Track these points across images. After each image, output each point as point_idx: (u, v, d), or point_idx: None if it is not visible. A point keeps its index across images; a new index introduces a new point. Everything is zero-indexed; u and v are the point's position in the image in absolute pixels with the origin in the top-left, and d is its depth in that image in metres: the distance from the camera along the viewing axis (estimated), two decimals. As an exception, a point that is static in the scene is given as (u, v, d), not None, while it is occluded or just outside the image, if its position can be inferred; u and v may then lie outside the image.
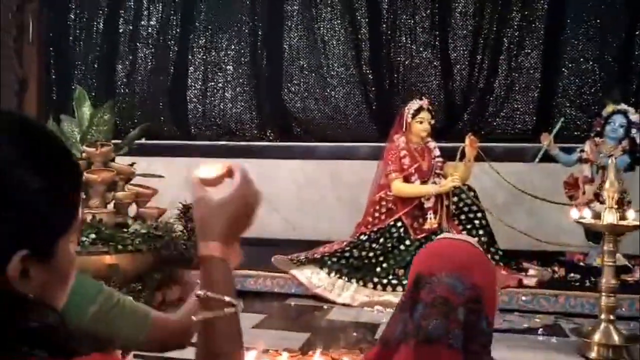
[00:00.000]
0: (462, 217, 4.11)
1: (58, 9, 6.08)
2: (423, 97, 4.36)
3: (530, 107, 5.18)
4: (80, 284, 1.37)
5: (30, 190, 0.70)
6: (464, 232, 4.06)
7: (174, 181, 5.31)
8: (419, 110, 4.18)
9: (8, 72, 5.90)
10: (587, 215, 3.01)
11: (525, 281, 3.80)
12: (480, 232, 4.06)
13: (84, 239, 3.29)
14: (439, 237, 1.62)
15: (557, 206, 4.18)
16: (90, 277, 1.50)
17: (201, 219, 0.93)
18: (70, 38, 6.10)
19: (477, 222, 4.08)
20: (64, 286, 0.77)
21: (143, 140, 5.56)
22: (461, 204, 4.12)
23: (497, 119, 5.25)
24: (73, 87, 5.61)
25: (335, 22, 5.54)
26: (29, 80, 5.97)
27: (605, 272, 2.85)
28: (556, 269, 4.09)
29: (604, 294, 2.85)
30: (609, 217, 2.81)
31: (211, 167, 1.02)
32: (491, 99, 5.27)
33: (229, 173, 0.98)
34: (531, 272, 4.00)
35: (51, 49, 6.14)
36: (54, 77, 6.15)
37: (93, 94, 5.95)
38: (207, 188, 0.97)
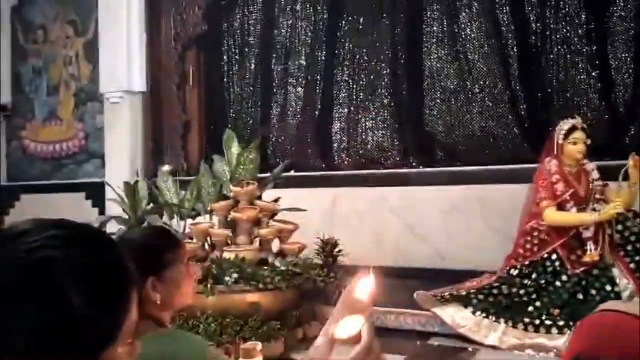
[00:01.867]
0: (629, 247, 3.64)
1: (213, 53, 6.55)
2: (575, 116, 3.96)
3: None
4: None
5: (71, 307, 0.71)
6: (632, 264, 3.61)
7: (319, 212, 5.49)
8: (572, 129, 3.82)
9: (173, 116, 6.48)
10: None
11: None
12: (651, 264, 3.57)
13: (227, 278, 3.44)
14: (602, 307, 1.36)
15: None
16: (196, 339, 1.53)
17: None
18: (225, 80, 6.53)
19: (647, 253, 3.59)
20: None
21: (292, 173, 5.79)
22: (627, 233, 3.65)
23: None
24: (229, 127, 6.02)
25: (479, 37, 5.27)
26: (192, 123, 6.49)
27: None
28: None
29: None
30: None
31: (350, 325, 0.95)
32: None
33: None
34: None
35: (209, 92, 6.61)
36: (212, 118, 6.60)
37: (248, 130, 6.33)
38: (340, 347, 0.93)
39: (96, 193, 6.43)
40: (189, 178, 5.43)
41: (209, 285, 3.35)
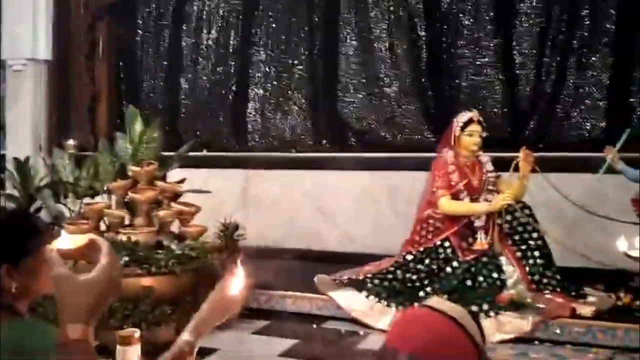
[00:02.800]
0: (517, 237, 3.82)
1: (126, 25, 6.31)
2: (473, 109, 4.08)
3: (600, 113, 4.73)
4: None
5: None
6: (518, 253, 3.79)
7: (231, 194, 5.46)
8: (469, 122, 3.94)
9: (81, 88, 6.21)
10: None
11: (581, 310, 3.46)
12: (536, 253, 3.77)
13: (118, 261, 3.35)
14: (427, 301, 1.41)
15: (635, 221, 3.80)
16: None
17: (63, 300, 0.91)
18: (138, 53, 6.31)
19: (532, 242, 3.78)
20: None
21: (204, 152, 5.70)
22: (515, 223, 3.83)
23: (565, 126, 4.85)
24: (138, 102, 5.84)
25: (391, 27, 5.34)
26: (100, 96, 6.24)
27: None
28: (622, 294, 3.69)
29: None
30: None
31: (71, 238, 1.01)
32: (559, 105, 4.87)
33: (91, 246, 0.97)
34: (591, 298, 3.64)
35: (120, 64, 6.38)
36: (123, 91, 6.38)
37: (160, 106, 6.16)
38: (67, 261, 0.97)
39: (-5, 165, 6.11)
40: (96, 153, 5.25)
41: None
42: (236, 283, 1.25)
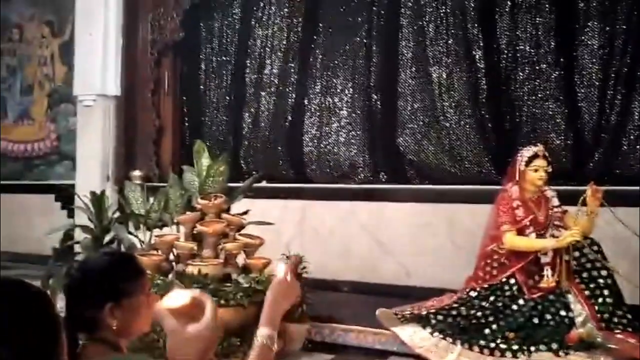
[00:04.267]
0: (585, 274, 3.73)
1: (190, 61, 6.56)
2: (538, 143, 4.05)
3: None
4: None
5: None
6: (587, 291, 3.70)
7: (288, 224, 5.53)
8: (534, 157, 3.89)
9: (146, 122, 6.47)
10: None
11: (656, 352, 3.35)
12: (605, 292, 3.67)
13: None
14: None
15: None
16: None
17: (175, 349, 1.05)
18: (201, 87, 6.53)
19: (601, 280, 3.69)
20: None
21: (263, 184, 5.82)
22: (583, 260, 3.75)
23: (630, 159, 4.74)
24: (203, 135, 6.04)
25: (450, 58, 5.36)
26: (165, 129, 6.48)
27: None
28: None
29: None
30: None
31: (177, 296, 1.12)
32: (623, 138, 4.78)
33: (196, 303, 1.12)
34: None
35: (184, 99, 6.62)
36: (186, 125, 6.60)
37: (222, 139, 6.35)
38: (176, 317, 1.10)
39: (66, 195, 6.39)
40: (161, 185, 5.43)
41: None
42: (290, 271, 1.42)
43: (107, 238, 4.28)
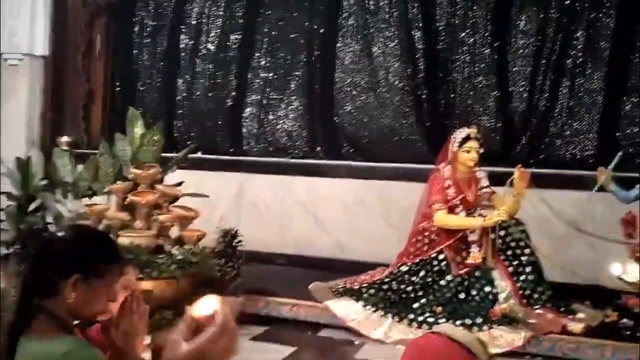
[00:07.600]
0: (509, 252, 3.92)
1: (123, 24, 6.30)
2: (471, 125, 4.17)
3: (592, 132, 4.86)
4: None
5: None
6: (510, 268, 3.89)
7: (225, 197, 5.49)
8: (467, 138, 4.02)
9: (76, 85, 6.20)
10: (633, 270, 2.77)
11: (571, 326, 3.56)
12: (528, 269, 3.87)
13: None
14: (439, 328, 1.48)
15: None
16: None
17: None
18: (135, 52, 6.30)
19: (524, 258, 3.89)
20: None
21: (199, 154, 5.71)
22: (508, 239, 3.93)
23: (557, 144, 4.97)
24: (135, 103, 5.84)
25: (391, 40, 5.41)
26: (95, 94, 6.23)
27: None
28: (609, 312, 3.80)
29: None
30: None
31: (208, 305, 1.04)
32: (551, 122, 4.99)
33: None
34: (580, 315, 3.75)
35: (117, 63, 6.36)
36: (118, 91, 6.36)
37: (155, 106, 6.16)
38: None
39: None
40: (89, 151, 5.24)
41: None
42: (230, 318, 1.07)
43: (32, 206, 4.11)
